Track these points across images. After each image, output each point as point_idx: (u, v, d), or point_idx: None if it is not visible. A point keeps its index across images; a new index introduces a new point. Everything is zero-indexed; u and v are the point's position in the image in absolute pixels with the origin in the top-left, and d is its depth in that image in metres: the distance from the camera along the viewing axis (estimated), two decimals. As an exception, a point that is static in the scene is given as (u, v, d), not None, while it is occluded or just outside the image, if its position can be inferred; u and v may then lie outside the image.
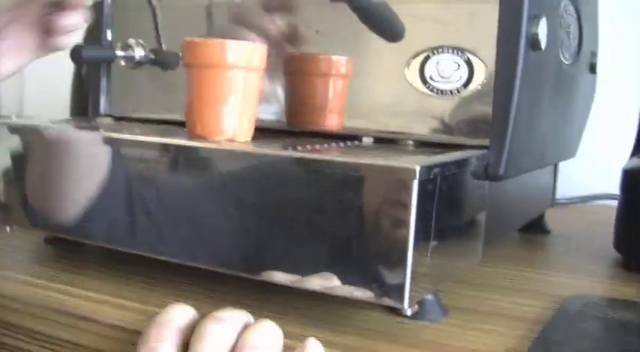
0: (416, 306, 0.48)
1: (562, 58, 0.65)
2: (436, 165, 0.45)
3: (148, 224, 0.53)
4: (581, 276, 0.62)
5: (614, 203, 0.75)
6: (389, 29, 0.62)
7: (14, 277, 0.57)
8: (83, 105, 0.73)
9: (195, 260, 0.51)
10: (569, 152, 0.77)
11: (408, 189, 0.43)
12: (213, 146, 0.52)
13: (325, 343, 0.41)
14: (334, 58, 0.64)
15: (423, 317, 0.49)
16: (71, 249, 0.63)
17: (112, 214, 0.54)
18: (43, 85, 1.18)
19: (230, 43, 0.55)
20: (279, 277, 0.48)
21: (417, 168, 0.43)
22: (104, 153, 0.55)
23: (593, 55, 0.78)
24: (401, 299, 0.44)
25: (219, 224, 0.50)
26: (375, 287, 0.45)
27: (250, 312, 0.43)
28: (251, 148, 0.52)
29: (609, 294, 0.58)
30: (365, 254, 0.45)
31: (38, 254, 0.64)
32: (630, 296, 0.56)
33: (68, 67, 1.07)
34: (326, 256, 0.46)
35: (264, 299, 0.51)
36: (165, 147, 0.52)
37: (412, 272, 0.44)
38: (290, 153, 0.48)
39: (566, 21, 0.66)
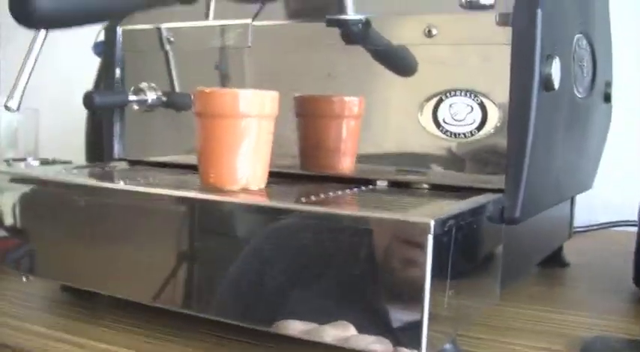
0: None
1: (576, 92, 0.65)
2: (450, 217, 0.45)
3: (162, 276, 0.53)
4: (600, 315, 0.61)
5: (633, 229, 0.75)
6: (402, 65, 0.62)
7: (27, 328, 0.57)
8: (97, 150, 0.73)
9: (209, 311, 0.51)
10: (585, 184, 0.76)
11: (423, 244, 0.43)
12: (226, 199, 0.51)
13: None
14: (346, 98, 0.64)
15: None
16: (86, 296, 0.63)
17: (127, 266, 0.54)
18: (59, 124, 1.20)
19: (242, 92, 0.55)
20: (294, 329, 0.47)
21: (432, 223, 0.43)
22: (117, 205, 0.55)
23: (608, 85, 0.78)
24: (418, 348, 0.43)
25: (234, 275, 0.50)
26: (393, 340, 0.44)
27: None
28: (264, 201, 0.52)
29: (628, 333, 0.57)
30: (381, 307, 0.44)
31: (53, 302, 0.64)
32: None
33: (83, 108, 1.08)
34: (341, 309, 0.45)
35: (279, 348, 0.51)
36: (178, 199, 0.52)
37: (428, 325, 0.43)
38: (303, 206, 0.48)
39: (579, 55, 0.65)
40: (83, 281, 0.57)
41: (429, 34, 0.58)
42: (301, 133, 0.65)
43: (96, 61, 1.16)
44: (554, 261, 0.79)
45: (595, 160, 0.79)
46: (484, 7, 0.51)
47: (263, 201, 0.52)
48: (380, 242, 0.44)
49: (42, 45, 0.63)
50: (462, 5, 0.51)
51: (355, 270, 0.45)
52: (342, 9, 0.61)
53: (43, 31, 0.62)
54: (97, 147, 0.74)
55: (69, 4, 0.42)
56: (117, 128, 0.73)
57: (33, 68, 0.63)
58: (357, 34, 0.60)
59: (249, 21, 0.65)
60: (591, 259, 0.84)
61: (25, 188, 0.60)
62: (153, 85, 0.71)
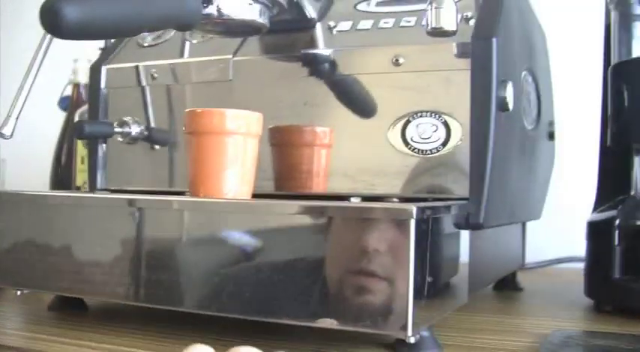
0: (415, 338, 0.52)
1: (525, 123, 0.72)
2: (427, 208, 0.50)
3: (160, 277, 0.56)
4: (559, 319, 0.67)
5: (578, 265, 0.83)
6: (363, 106, 0.69)
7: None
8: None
9: (210, 308, 0.54)
10: (534, 213, 0.83)
11: (407, 227, 0.48)
12: (230, 201, 0.56)
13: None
14: (318, 129, 0.69)
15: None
16: (76, 312, 0.66)
17: (126, 271, 0.58)
18: (24, 174, 1.22)
19: (229, 112, 0.61)
20: (294, 317, 0.51)
21: (414, 209, 0.48)
22: (114, 215, 0.59)
23: (551, 124, 0.86)
24: (405, 329, 0.48)
25: (230, 273, 0.53)
26: (381, 320, 0.48)
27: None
28: (261, 201, 0.56)
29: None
30: (371, 289, 0.49)
31: (42, 318, 0.66)
32: (607, 330, 0.61)
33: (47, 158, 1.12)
34: (332, 294, 0.50)
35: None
36: (178, 204, 0.57)
37: (413, 304, 0.48)
38: (298, 201, 0.53)
39: (526, 90, 0.73)
40: (79, 290, 0.60)
41: (396, 63, 0.65)
42: (276, 159, 0.70)
43: (61, 115, 1.21)
44: (509, 286, 0.85)
45: (542, 194, 0.86)
46: (447, 34, 0.58)
47: (260, 201, 0.57)
48: (370, 228, 0.49)
49: (37, 74, 0.67)
50: (428, 32, 0.58)
51: (347, 255, 0.49)
52: (314, 44, 0.68)
53: (38, 60, 0.66)
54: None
55: (95, 18, 0.47)
56: (99, 160, 0.77)
57: (27, 97, 0.67)
58: (325, 70, 0.67)
59: (230, 56, 0.71)
60: (544, 286, 0.90)
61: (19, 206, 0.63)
62: (136, 118, 0.75)
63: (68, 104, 1.21)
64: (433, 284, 0.52)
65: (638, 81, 0.68)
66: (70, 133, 1.17)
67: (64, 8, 0.46)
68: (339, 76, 0.68)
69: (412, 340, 0.50)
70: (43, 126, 1.18)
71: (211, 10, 0.60)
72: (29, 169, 1.16)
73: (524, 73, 0.72)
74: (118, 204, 0.59)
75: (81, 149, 1.10)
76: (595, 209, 0.77)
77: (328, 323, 0.50)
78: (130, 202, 0.58)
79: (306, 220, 0.51)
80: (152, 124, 0.76)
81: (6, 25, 1.58)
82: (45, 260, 0.61)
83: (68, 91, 1.21)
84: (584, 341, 0.55)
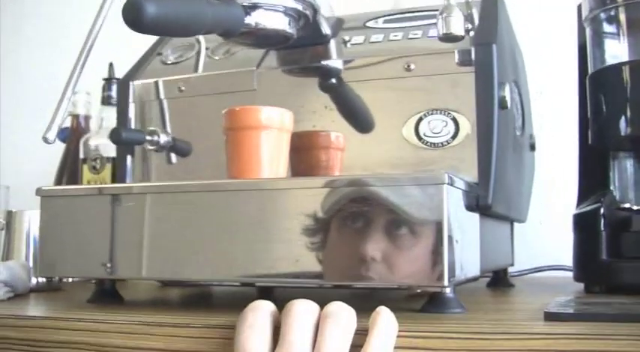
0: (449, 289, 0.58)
1: (515, 126, 0.81)
2: (455, 176, 0.58)
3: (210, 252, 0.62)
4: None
5: (558, 273, 0.96)
6: (363, 121, 0.77)
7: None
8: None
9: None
10: (522, 214, 0.92)
11: (440, 191, 0.56)
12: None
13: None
14: (332, 134, 0.77)
15: (448, 311, 0.60)
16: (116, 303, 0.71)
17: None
18: (28, 201, 1.25)
19: (265, 108, 0.68)
20: (345, 279, 0.58)
21: (445, 175, 0.56)
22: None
23: (532, 136, 0.96)
24: (442, 280, 0.55)
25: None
26: (420, 275, 0.56)
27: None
28: (314, 178, 0.63)
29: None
30: (411, 247, 0.56)
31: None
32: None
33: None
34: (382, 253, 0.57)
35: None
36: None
37: (449, 257, 0.55)
38: (344, 176, 0.60)
39: (513, 98, 0.83)
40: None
41: (408, 69, 0.73)
42: (296, 162, 0.77)
43: (60, 146, 1.26)
44: (501, 282, 0.93)
45: (527, 198, 0.95)
46: (457, 39, 0.67)
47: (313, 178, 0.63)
48: (407, 195, 0.56)
49: (76, 82, 0.73)
50: (440, 38, 0.67)
51: (389, 222, 0.56)
52: (330, 55, 0.76)
53: (78, 70, 0.72)
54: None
55: (168, 15, 0.55)
56: (127, 167, 0.83)
57: (69, 103, 0.73)
58: (342, 78, 0.76)
59: (254, 68, 0.79)
60: (533, 284, 0.98)
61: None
62: (165, 129, 0.82)
63: (67, 135, 1.27)
64: (459, 247, 0.59)
65: (613, 86, 0.78)
66: (70, 162, 1.23)
67: (146, 4, 0.53)
68: (345, 90, 0.76)
69: (448, 290, 0.57)
70: (45, 155, 1.22)
71: (250, 20, 0.68)
72: (32, 196, 1.20)
73: (511, 84, 0.82)
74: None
75: (87, 174, 1.15)
76: (578, 205, 0.86)
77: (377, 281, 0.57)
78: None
79: (351, 193, 0.58)
80: (176, 136, 0.83)
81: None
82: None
83: (67, 123, 1.26)
84: (584, 301, 0.63)
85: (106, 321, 0.60)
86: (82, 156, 1.16)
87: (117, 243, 0.66)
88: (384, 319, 0.50)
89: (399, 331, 0.51)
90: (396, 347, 0.50)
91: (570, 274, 0.82)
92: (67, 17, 1.55)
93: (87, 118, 1.26)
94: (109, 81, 1.18)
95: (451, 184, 0.57)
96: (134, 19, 0.54)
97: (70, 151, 1.24)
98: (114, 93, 1.17)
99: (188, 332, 0.57)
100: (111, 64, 1.18)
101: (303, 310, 0.51)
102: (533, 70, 0.98)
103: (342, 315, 0.50)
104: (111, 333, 0.59)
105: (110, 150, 1.14)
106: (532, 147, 0.95)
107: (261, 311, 0.52)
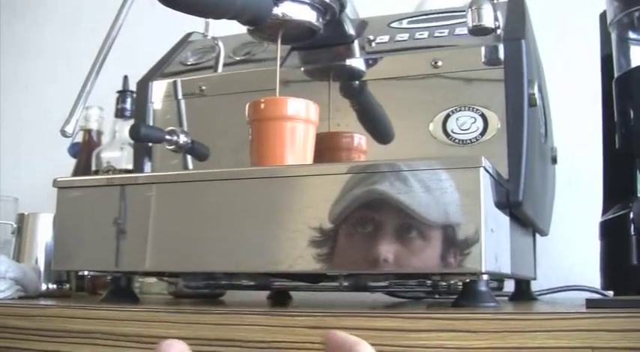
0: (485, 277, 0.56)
1: (540, 131, 0.80)
2: (489, 165, 0.57)
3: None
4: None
5: (576, 293, 0.93)
6: (383, 131, 0.76)
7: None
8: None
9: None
10: (546, 225, 0.90)
11: (477, 174, 0.54)
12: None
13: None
14: (356, 136, 0.76)
15: (481, 305, 0.57)
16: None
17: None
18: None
19: (290, 99, 0.66)
20: (388, 268, 0.56)
21: (483, 160, 0.54)
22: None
23: (553, 149, 0.94)
24: (479, 264, 0.53)
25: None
26: (458, 260, 0.53)
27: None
28: (349, 163, 0.61)
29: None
30: (451, 232, 0.54)
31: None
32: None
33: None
34: (413, 242, 0.55)
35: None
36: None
37: (485, 241, 0.53)
38: (378, 161, 0.58)
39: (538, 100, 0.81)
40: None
41: (435, 65, 0.72)
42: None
43: (71, 161, 1.25)
44: (524, 295, 0.90)
45: (550, 210, 0.93)
46: (488, 31, 0.66)
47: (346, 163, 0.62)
48: (445, 179, 0.55)
49: (96, 77, 0.72)
50: (470, 31, 0.66)
51: (427, 207, 0.55)
52: (355, 54, 0.75)
53: (97, 66, 0.71)
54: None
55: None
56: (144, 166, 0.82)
57: (87, 98, 0.72)
58: (368, 76, 0.75)
59: (276, 67, 0.78)
60: (558, 300, 0.95)
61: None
62: (184, 129, 0.80)
63: (78, 150, 1.25)
64: (494, 237, 0.57)
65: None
66: (81, 175, 1.21)
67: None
68: (368, 98, 0.75)
69: (485, 277, 0.55)
70: (55, 170, 1.21)
71: (277, 11, 0.67)
72: (41, 208, 1.18)
73: (537, 84, 0.81)
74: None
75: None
76: (604, 213, 0.84)
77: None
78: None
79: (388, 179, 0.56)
80: (195, 137, 0.81)
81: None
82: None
83: (78, 138, 1.25)
84: (620, 298, 0.60)
85: (123, 309, 0.57)
86: (93, 168, 1.14)
87: (134, 236, 0.64)
88: None
89: (437, 312, 0.48)
90: (433, 330, 0.48)
91: (590, 295, 0.80)
92: (78, 30, 1.55)
93: (99, 133, 1.25)
94: (123, 93, 1.17)
95: (486, 169, 0.55)
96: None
97: (81, 166, 1.22)
98: (128, 105, 1.16)
99: (211, 319, 0.54)
100: (125, 77, 1.17)
101: None
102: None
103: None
104: (127, 322, 0.57)
105: (123, 162, 1.13)
106: (554, 160, 0.94)
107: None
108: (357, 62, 0.77)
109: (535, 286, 0.98)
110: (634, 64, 0.81)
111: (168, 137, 0.79)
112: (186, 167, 0.83)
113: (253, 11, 0.63)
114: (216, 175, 0.62)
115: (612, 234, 0.78)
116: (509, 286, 0.91)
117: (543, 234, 0.92)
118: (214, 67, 0.82)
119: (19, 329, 0.59)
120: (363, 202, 0.57)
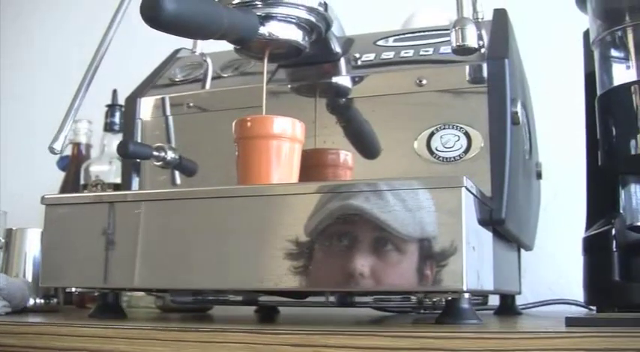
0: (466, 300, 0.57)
1: (524, 148, 0.81)
2: (472, 184, 0.58)
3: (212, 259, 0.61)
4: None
5: (562, 307, 0.94)
6: (370, 148, 0.77)
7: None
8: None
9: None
10: (530, 240, 0.91)
11: (459, 194, 0.55)
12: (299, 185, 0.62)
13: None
14: (342, 152, 0.76)
15: (464, 322, 0.58)
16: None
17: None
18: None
19: (276, 118, 0.67)
20: (369, 285, 0.57)
21: (464, 179, 0.55)
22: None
23: (538, 164, 0.95)
24: (460, 282, 0.54)
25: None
26: (439, 278, 0.54)
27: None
28: (332, 181, 0.62)
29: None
30: (431, 249, 0.55)
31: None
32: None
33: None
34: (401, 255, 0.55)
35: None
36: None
37: (466, 260, 0.54)
38: (360, 180, 0.59)
39: (522, 119, 0.82)
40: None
41: (419, 84, 0.73)
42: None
43: (60, 174, 1.25)
44: (509, 310, 0.91)
45: (534, 225, 0.94)
46: (471, 51, 0.67)
47: (331, 181, 0.62)
48: (426, 198, 0.55)
49: (85, 93, 0.72)
50: (453, 50, 0.67)
51: (406, 225, 0.55)
52: (341, 71, 0.76)
53: (87, 79, 0.72)
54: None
55: (185, 14, 0.54)
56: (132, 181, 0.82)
57: (76, 113, 0.72)
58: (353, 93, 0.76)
59: (263, 84, 0.79)
60: (542, 315, 0.96)
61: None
62: (172, 145, 0.81)
63: (66, 164, 1.26)
64: (476, 255, 0.58)
65: (622, 106, 0.78)
66: (69, 189, 1.21)
67: (165, 0, 0.53)
68: (354, 114, 0.76)
69: (464, 298, 0.55)
70: (44, 184, 1.21)
71: (264, 30, 0.68)
72: (30, 222, 1.18)
73: (520, 102, 0.82)
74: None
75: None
76: (587, 229, 0.85)
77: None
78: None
79: (364, 198, 0.57)
80: (183, 154, 0.82)
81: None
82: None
83: (67, 152, 1.26)
84: (601, 315, 0.61)
85: (110, 326, 0.58)
86: (82, 181, 1.15)
87: (122, 253, 0.64)
88: None
89: (420, 332, 0.49)
90: (415, 349, 0.49)
91: (575, 308, 0.81)
92: (68, 44, 1.56)
93: (88, 147, 1.26)
94: (112, 107, 1.17)
95: (468, 188, 0.56)
96: (152, 14, 0.53)
97: (69, 179, 1.22)
98: (117, 119, 1.16)
99: (197, 337, 0.55)
100: (114, 91, 1.18)
101: None
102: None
103: None
104: (115, 339, 0.57)
105: (111, 176, 1.13)
106: (539, 175, 0.95)
107: None
108: (343, 80, 0.78)
109: (521, 299, 0.99)
110: (616, 82, 0.82)
111: (155, 153, 0.79)
112: (174, 183, 0.84)
113: (240, 31, 0.64)
114: (202, 193, 0.63)
115: (595, 249, 0.79)
116: (495, 300, 0.92)
117: (528, 248, 0.93)
118: (202, 84, 0.82)
119: (6, 346, 0.59)
120: (346, 221, 0.57)
